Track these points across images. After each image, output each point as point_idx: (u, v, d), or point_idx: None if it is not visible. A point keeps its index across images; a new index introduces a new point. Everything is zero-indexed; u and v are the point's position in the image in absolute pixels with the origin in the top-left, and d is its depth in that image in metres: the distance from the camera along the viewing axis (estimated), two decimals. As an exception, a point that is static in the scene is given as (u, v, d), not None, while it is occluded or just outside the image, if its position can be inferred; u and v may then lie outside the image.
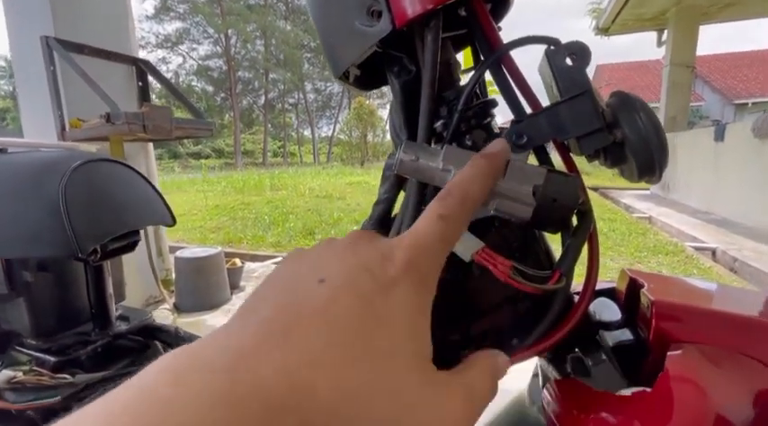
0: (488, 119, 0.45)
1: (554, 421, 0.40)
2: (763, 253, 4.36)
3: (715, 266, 4.25)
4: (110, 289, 0.77)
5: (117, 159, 0.72)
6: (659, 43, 9.44)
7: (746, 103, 18.53)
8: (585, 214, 0.40)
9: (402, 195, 0.49)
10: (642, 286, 0.45)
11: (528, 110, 0.44)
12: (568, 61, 0.39)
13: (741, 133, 5.88)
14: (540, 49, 0.44)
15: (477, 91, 0.48)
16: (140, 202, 0.73)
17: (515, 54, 0.46)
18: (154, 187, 0.77)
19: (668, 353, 0.37)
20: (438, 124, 0.45)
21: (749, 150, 5.66)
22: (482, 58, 0.45)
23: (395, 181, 0.47)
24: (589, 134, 0.38)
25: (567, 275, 0.39)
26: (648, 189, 9.75)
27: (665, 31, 9.01)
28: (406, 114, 0.44)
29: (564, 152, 0.45)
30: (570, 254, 0.39)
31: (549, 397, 0.42)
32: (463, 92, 0.43)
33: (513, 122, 0.41)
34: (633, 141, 0.38)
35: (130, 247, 0.74)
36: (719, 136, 6.51)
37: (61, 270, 0.70)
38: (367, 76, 0.50)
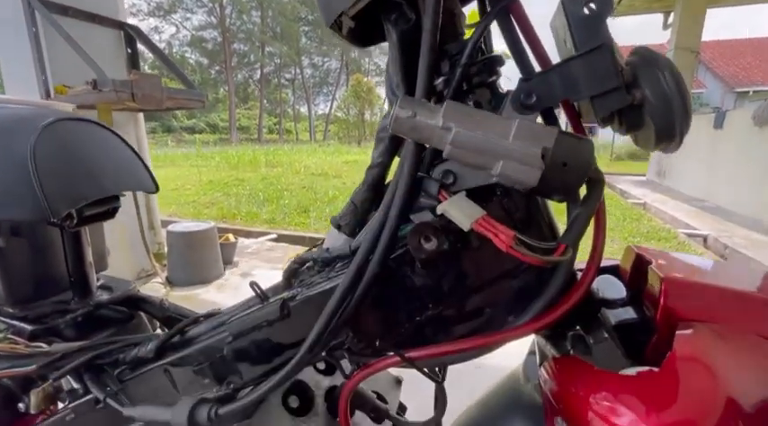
0: (494, 78, 0.41)
1: (551, 400, 0.38)
2: (754, 241, 4.41)
3: (706, 252, 4.29)
4: (89, 257, 0.74)
5: (92, 119, 0.67)
6: (665, 25, 9.23)
7: (748, 91, 18.36)
8: (597, 183, 0.37)
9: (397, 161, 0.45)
10: (649, 262, 0.42)
11: (537, 69, 0.40)
12: (585, 11, 0.34)
13: (741, 121, 5.84)
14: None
15: (483, 46, 0.44)
16: (119, 166, 0.69)
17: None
18: (135, 151, 0.73)
19: (677, 332, 0.34)
20: (439, 81, 0.41)
21: (748, 138, 5.63)
22: (489, 9, 0.41)
23: (389, 144, 0.44)
24: (605, 93, 0.34)
25: (573, 247, 0.36)
26: (645, 175, 9.75)
27: (672, 14, 8.80)
28: (404, 69, 0.40)
29: (573, 115, 0.41)
30: (577, 225, 0.36)
31: (546, 375, 0.40)
32: (467, 45, 0.38)
33: (521, 81, 0.37)
34: (654, 103, 0.34)
35: (110, 214, 0.70)
36: (719, 123, 6.46)
37: (35, 235, 0.67)
38: (362, 30, 0.46)
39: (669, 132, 0.35)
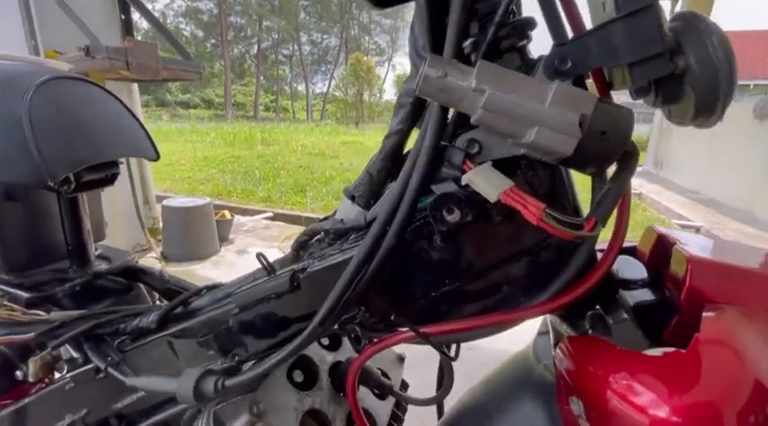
0: (524, 42, 0.38)
1: (567, 379, 0.38)
2: (746, 235, 4.46)
3: (698, 243, 4.34)
4: (87, 226, 0.71)
5: (90, 80, 0.64)
6: (672, 14, 9.09)
7: (748, 85, 18.24)
8: (631, 156, 0.35)
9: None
10: (673, 243, 0.41)
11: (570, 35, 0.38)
12: None
13: (741, 114, 5.82)
14: None
15: (513, 8, 0.41)
16: (119, 131, 0.66)
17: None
18: (135, 116, 0.70)
19: (704, 314, 0.33)
20: (467, 44, 0.38)
21: (747, 131, 5.63)
22: None
23: (411, 111, 0.41)
24: (645, 60, 0.32)
25: (602, 223, 0.34)
26: (642, 165, 9.77)
27: (680, 1, 8.65)
28: (431, 29, 0.37)
29: (603, 84, 0.39)
30: (608, 200, 0.34)
31: (562, 354, 0.39)
32: (500, 4, 0.36)
33: (555, 45, 0.35)
34: (698, 72, 0.32)
35: (109, 180, 0.67)
36: (719, 115, 6.44)
37: (31, 200, 0.64)
38: None
39: (711, 105, 0.33)
